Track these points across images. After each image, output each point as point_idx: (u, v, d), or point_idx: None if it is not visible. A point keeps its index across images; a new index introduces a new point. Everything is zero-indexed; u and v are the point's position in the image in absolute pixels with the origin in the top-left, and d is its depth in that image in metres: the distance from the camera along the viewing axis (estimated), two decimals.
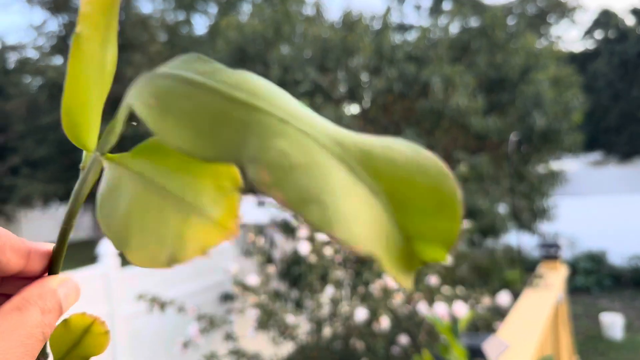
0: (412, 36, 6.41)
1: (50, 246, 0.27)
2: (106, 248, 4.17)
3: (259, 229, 2.42)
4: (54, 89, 11.79)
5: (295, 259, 3.96)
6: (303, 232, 2.03)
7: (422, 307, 1.87)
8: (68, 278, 0.27)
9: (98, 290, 4.13)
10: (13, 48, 14.38)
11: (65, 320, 0.28)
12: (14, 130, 12.84)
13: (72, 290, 0.27)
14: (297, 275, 3.95)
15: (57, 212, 16.79)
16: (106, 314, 4.15)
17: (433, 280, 2.05)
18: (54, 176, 11.85)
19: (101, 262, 4.17)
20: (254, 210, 3.13)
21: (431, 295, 1.95)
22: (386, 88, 4.23)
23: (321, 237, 2.02)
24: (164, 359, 4.39)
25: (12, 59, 14.91)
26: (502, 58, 4.65)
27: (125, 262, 4.29)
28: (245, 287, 1.96)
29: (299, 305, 2.89)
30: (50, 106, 11.96)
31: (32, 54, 14.24)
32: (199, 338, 1.98)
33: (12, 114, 12.56)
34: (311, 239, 2.06)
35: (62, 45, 12.66)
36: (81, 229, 16.83)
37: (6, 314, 0.23)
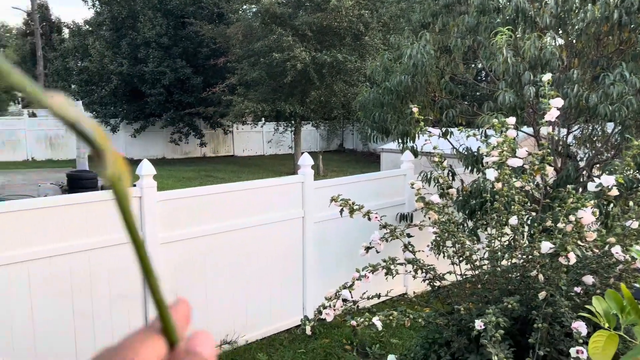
0: None
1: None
2: (305, 160, 4.63)
3: (441, 159, 2.46)
4: (266, 15, 12.80)
5: (475, 191, 3.90)
6: (493, 157, 1.99)
7: (617, 250, 1.73)
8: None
9: (296, 196, 4.65)
10: None
11: None
12: (233, 53, 14.42)
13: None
14: (476, 208, 3.91)
15: (262, 129, 18.81)
16: (300, 217, 4.68)
17: (634, 224, 1.86)
18: (263, 97, 13.17)
19: (300, 173, 4.66)
20: (437, 141, 3.17)
21: (629, 240, 1.79)
22: (603, 16, 3.69)
23: (510, 163, 1.97)
24: (345, 259, 4.86)
25: None
26: None
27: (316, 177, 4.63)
28: (428, 203, 2.04)
29: (475, 236, 2.90)
30: (262, 32, 13.10)
31: None
32: (380, 245, 2.16)
33: (231, 38, 14.06)
34: (499, 167, 2.03)
35: None
36: (287, 145, 18.62)
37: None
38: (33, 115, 17.98)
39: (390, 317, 1.78)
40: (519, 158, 1.99)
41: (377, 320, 1.77)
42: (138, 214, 3.80)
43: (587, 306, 1.14)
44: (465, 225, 4.17)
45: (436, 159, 2.24)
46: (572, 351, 1.55)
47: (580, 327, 1.60)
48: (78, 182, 7.65)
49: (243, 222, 4.30)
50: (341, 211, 2.11)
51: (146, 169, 3.81)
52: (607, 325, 1.11)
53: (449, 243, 2.26)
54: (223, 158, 18.31)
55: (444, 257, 2.25)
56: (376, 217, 2.14)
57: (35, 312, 3.37)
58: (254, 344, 4.40)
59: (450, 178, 4.37)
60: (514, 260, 2.07)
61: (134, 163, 4.80)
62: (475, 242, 2.34)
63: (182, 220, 4.02)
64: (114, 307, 3.71)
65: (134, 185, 3.84)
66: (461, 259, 2.16)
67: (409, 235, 2.12)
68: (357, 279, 1.98)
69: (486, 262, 2.23)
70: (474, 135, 2.46)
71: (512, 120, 2.30)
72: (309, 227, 4.68)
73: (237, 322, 4.35)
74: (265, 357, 4.17)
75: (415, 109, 2.46)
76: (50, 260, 3.41)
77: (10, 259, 3.25)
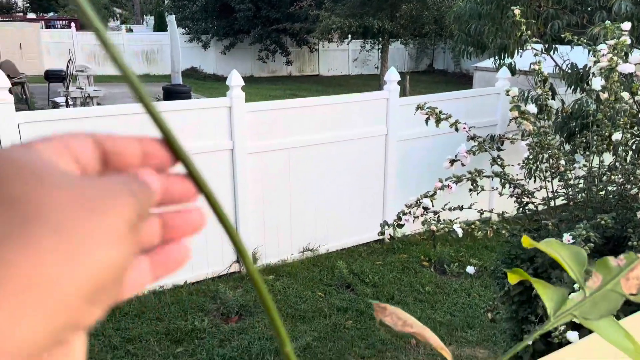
0: None
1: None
2: (390, 76, 4.51)
3: (542, 73, 2.26)
4: None
5: (576, 112, 3.62)
6: (603, 62, 1.80)
7: None
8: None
9: (380, 112, 4.59)
10: None
11: None
12: None
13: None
14: (575, 130, 3.64)
15: (348, 46, 18.35)
16: (383, 134, 4.64)
17: None
18: (350, 12, 12.73)
19: (385, 89, 4.56)
20: (536, 57, 2.89)
21: None
22: None
23: (620, 69, 1.77)
24: (427, 179, 4.82)
25: None
26: None
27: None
28: (523, 112, 1.92)
29: (572, 159, 2.73)
30: None
31: None
32: (467, 158, 2.10)
33: None
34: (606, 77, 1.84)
35: None
36: (374, 64, 18.12)
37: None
38: (130, 30, 18.77)
39: (472, 226, 1.77)
40: (632, 64, 1.79)
41: (457, 227, 1.77)
42: (228, 124, 3.96)
43: None
44: (562, 148, 3.93)
45: (537, 69, 2.07)
46: None
47: None
48: (173, 95, 8.04)
49: (327, 136, 4.34)
50: (427, 120, 2.06)
51: (235, 80, 3.90)
52: None
53: (542, 164, 2.14)
54: (308, 77, 18.26)
55: (534, 178, 2.14)
56: (464, 128, 2.06)
57: None
58: (334, 253, 4.60)
59: (550, 97, 4.08)
60: (612, 178, 1.94)
61: (223, 80, 4.93)
62: (572, 163, 2.21)
63: (270, 131, 4.13)
64: None
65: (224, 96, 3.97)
66: (554, 175, 2.05)
67: (498, 149, 2.02)
68: (440, 189, 1.96)
69: (581, 181, 2.11)
70: (583, 42, 2.22)
71: (627, 25, 2.05)
72: (392, 145, 4.64)
73: (319, 232, 4.54)
74: (344, 265, 4.36)
75: (517, 11, 2.25)
76: None
77: None
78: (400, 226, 1.94)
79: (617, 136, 1.84)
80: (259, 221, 4.22)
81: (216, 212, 0.25)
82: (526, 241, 0.67)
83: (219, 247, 3.98)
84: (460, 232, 1.79)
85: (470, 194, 2.31)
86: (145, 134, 0.25)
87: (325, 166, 4.42)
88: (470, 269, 2.04)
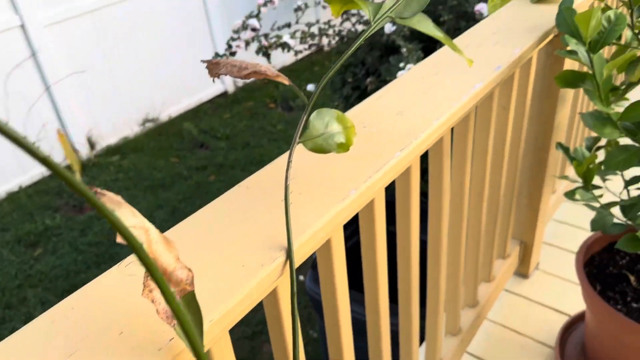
0: None
1: None
2: None
3: None
4: None
5: None
6: None
7: None
8: None
9: None
10: None
11: None
12: None
13: None
14: None
15: None
16: None
17: None
18: None
19: None
20: None
21: None
22: None
23: None
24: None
25: None
26: None
27: None
28: None
29: None
30: None
31: None
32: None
33: None
34: None
35: None
36: None
37: None
38: None
39: (302, 33, 1.74)
40: None
41: (288, 38, 1.73)
42: None
43: None
44: None
45: None
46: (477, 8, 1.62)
47: (482, 6, 1.65)
48: None
49: None
50: None
51: None
52: None
53: None
54: None
55: None
56: None
57: None
58: (178, 118, 4.40)
59: None
60: None
61: None
62: None
63: None
64: None
65: None
66: None
67: None
68: (263, 5, 1.87)
69: None
70: None
71: None
72: None
73: (156, 99, 4.25)
74: (192, 125, 4.22)
75: None
76: None
77: None
78: (233, 54, 1.85)
79: None
80: (84, 102, 3.79)
81: None
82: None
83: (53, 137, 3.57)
84: (292, 42, 1.76)
85: (296, 13, 2.26)
86: None
87: (143, 24, 3.99)
88: (310, 86, 2.08)
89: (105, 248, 3.03)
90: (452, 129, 0.83)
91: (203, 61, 0.57)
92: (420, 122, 0.68)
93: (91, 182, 3.62)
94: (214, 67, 0.55)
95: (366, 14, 0.57)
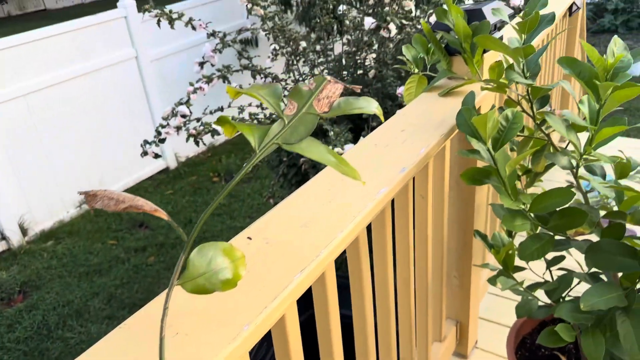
0: None
1: None
2: None
3: None
4: None
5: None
6: None
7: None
8: None
9: (122, 34, 4.16)
10: None
11: None
12: None
13: None
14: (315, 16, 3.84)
15: None
16: (133, 57, 4.26)
17: None
18: None
19: (120, 6, 4.12)
20: None
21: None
22: None
23: None
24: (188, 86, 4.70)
25: None
26: None
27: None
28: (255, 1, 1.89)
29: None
30: None
31: None
32: (214, 57, 2.04)
33: None
34: None
35: None
36: None
37: None
38: None
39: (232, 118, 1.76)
40: None
41: (216, 126, 1.74)
42: None
43: (398, 57, 1.18)
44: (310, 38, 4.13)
45: None
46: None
47: (403, 90, 1.71)
48: None
49: (68, 72, 3.81)
50: (158, 22, 1.90)
51: None
52: (416, 70, 1.17)
53: (285, 48, 2.20)
54: (33, 14, 15.62)
55: (287, 67, 2.20)
56: (201, 25, 1.96)
57: None
58: None
59: None
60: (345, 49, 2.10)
61: None
62: (314, 44, 2.31)
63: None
64: None
65: None
66: (298, 57, 2.13)
67: (242, 42, 1.99)
68: (192, 92, 1.88)
69: (332, 55, 2.24)
70: None
71: None
72: (146, 67, 4.31)
73: (92, 179, 4.13)
74: None
75: None
76: None
77: None
78: (162, 141, 1.83)
79: (340, 7, 1.97)
80: (16, 187, 3.63)
81: None
82: (231, 91, 0.64)
83: None
84: (219, 129, 1.76)
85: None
86: None
87: (81, 106, 3.93)
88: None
89: (36, 344, 2.80)
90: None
91: (80, 193, 0.54)
92: (324, 235, 0.67)
93: (22, 271, 3.40)
94: (91, 200, 0.52)
95: (250, 140, 0.56)
